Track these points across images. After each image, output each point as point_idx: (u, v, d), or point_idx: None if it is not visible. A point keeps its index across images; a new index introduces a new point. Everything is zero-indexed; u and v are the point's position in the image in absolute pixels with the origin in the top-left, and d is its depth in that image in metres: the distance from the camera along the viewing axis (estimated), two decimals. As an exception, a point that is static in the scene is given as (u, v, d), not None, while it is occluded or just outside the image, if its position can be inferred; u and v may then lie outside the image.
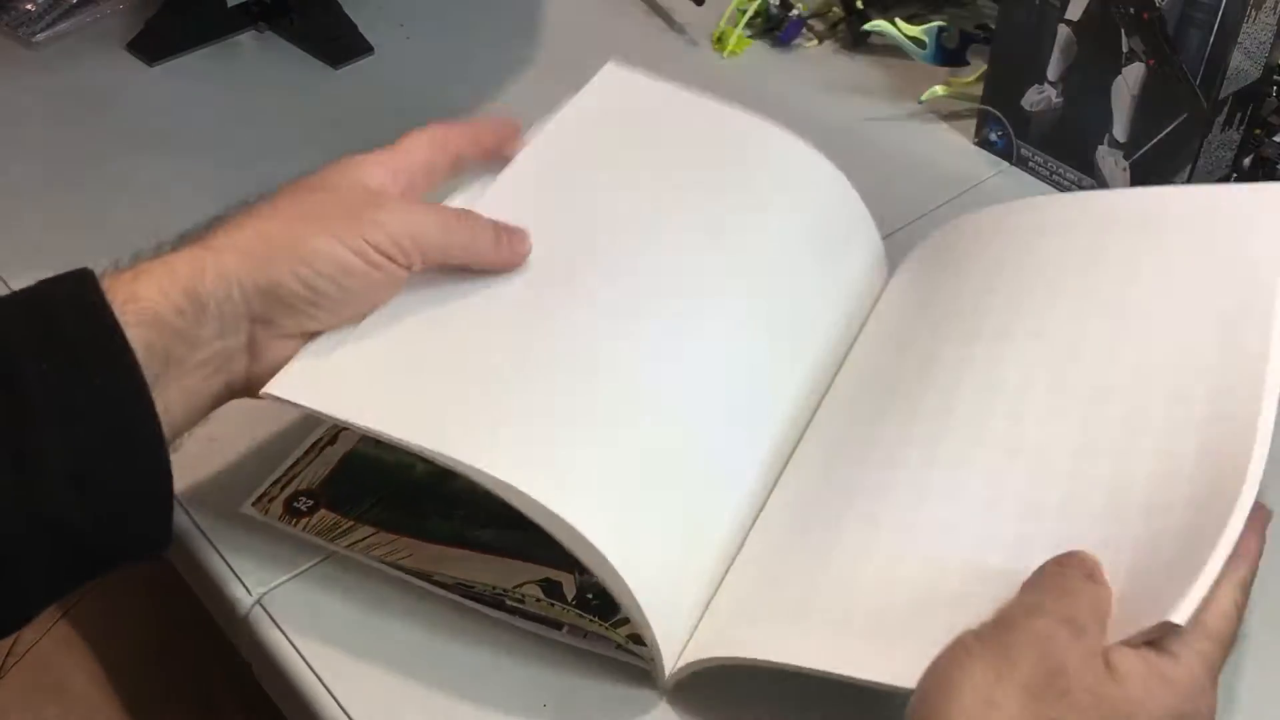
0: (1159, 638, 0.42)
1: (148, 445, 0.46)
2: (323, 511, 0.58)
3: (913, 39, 0.88)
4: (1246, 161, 0.77)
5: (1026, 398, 0.54)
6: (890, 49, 0.92)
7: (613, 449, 0.51)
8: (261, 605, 0.56)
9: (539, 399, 0.52)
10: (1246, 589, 0.45)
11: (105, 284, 0.46)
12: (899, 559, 0.50)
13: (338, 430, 0.62)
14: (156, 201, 0.80)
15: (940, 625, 0.44)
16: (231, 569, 0.58)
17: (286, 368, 0.51)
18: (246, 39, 0.96)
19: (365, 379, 0.51)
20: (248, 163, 0.83)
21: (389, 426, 0.49)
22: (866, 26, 0.90)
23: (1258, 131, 0.76)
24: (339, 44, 0.93)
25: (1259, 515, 0.46)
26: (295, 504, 0.58)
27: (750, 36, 0.95)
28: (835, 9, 0.97)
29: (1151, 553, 0.46)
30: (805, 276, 0.63)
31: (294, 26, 0.95)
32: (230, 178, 0.82)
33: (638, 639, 0.51)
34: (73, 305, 0.46)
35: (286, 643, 0.55)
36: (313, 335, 0.52)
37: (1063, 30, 0.76)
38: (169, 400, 0.47)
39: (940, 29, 0.89)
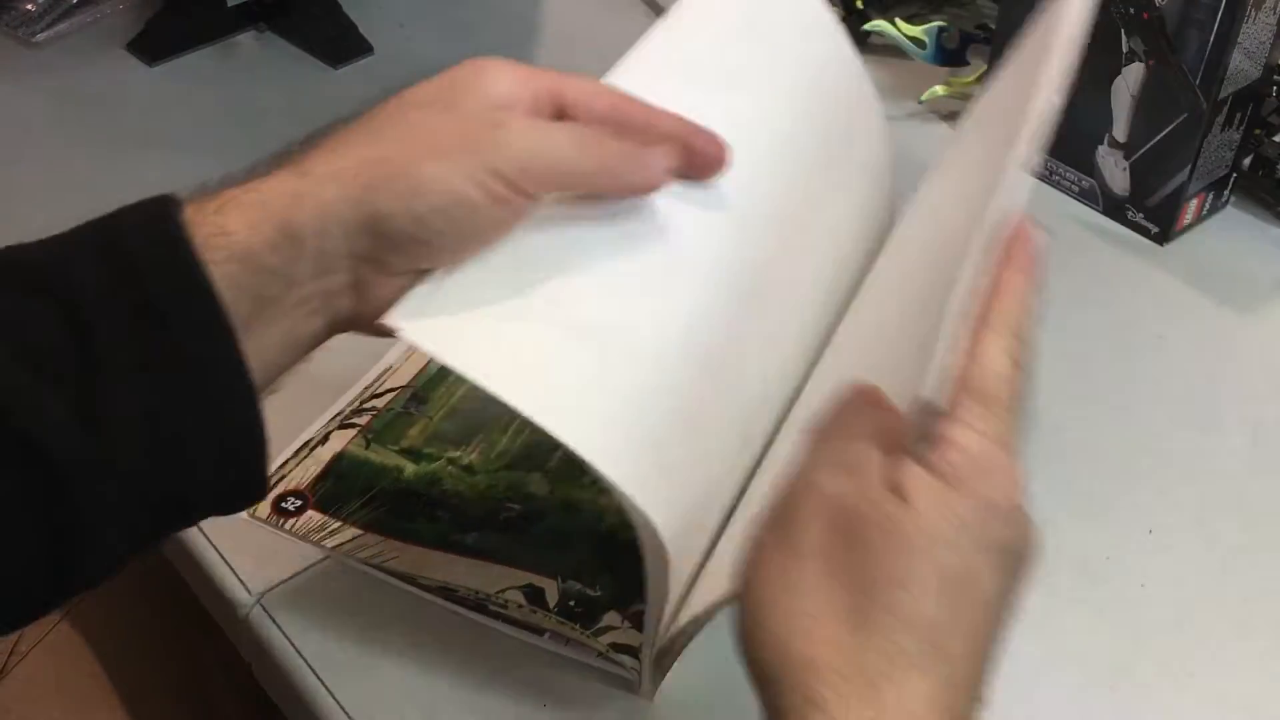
0: (929, 431, 0.38)
1: (237, 400, 0.41)
2: (310, 512, 0.58)
3: (913, 39, 0.88)
4: (1246, 161, 0.77)
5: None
6: (890, 49, 0.92)
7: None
8: (262, 605, 0.56)
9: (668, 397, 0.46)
10: (1024, 338, 0.40)
11: (188, 215, 0.41)
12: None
13: (329, 430, 0.62)
14: (157, 201, 0.80)
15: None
16: (232, 569, 0.58)
17: (406, 297, 0.44)
18: (246, 39, 0.96)
19: (488, 324, 0.45)
20: (248, 162, 0.83)
21: (504, 388, 0.43)
22: (866, 26, 0.90)
23: (1258, 131, 0.76)
24: (339, 44, 0.93)
25: (1021, 247, 0.41)
26: (283, 504, 0.58)
27: (750, 36, 0.95)
28: (835, 9, 0.97)
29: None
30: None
31: (294, 26, 0.95)
32: (231, 177, 0.82)
33: (619, 647, 0.51)
34: (152, 244, 0.41)
35: (287, 643, 0.55)
36: (425, 274, 0.45)
37: (1062, 30, 0.76)
38: (264, 343, 0.42)
39: (940, 29, 0.89)
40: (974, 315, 0.40)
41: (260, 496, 0.44)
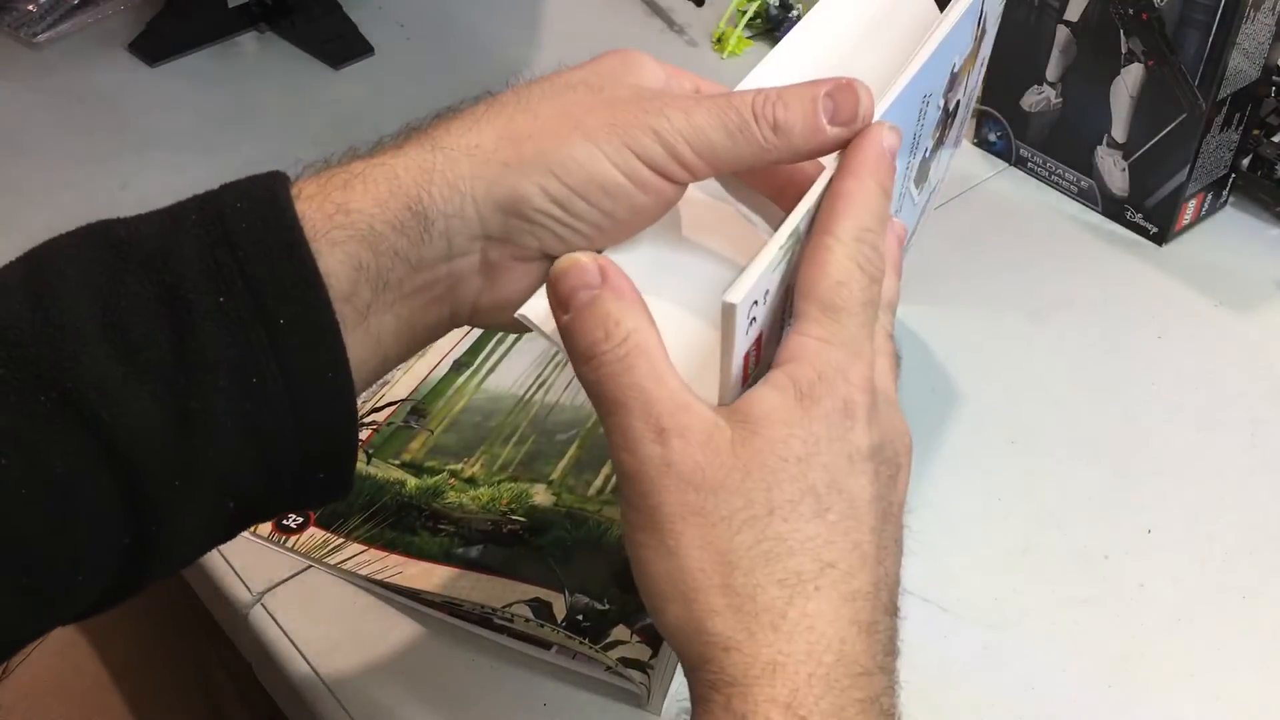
0: (772, 357, 0.37)
1: (333, 406, 0.39)
2: (313, 529, 0.58)
3: (912, 39, 0.88)
4: (1245, 161, 0.77)
5: None
6: (890, 49, 0.92)
7: None
8: (262, 605, 0.57)
9: None
10: (871, 243, 0.39)
11: (308, 190, 0.40)
12: None
13: None
14: (158, 202, 0.80)
15: None
16: (233, 568, 0.58)
17: (544, 289, 0.41)
18: (247, 39, 0.96)
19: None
20: (248, 163, 0.83)
21: None
22: (866, 27, 0.90)
23: (1256, 132, 0.76)
24: (339, 44, 0.94)
25: (867, 150, 0.40)
26: (285, 522, 0.58)
27: (750, 37, 0.96)
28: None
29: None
30: None
31: (295, 27, 0.95)
32: (231, 177, 0.82)
33: (628, 662, 0.51)
34: (260, 232, 0.38)
35: (287, 642, 0.55)
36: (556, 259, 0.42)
37: (1062, 31, 0.76)
38: (380, 329, 0.40)
39: (940, 29, 0.89)
40: (816, 224, 0.38)
41: (344, 493, 0.42)
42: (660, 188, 0.41)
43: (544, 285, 0.41)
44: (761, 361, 0.41)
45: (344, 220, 0.39)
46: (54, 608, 0.38)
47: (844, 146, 0.41)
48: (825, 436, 0.37)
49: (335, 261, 0.38)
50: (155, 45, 0.93)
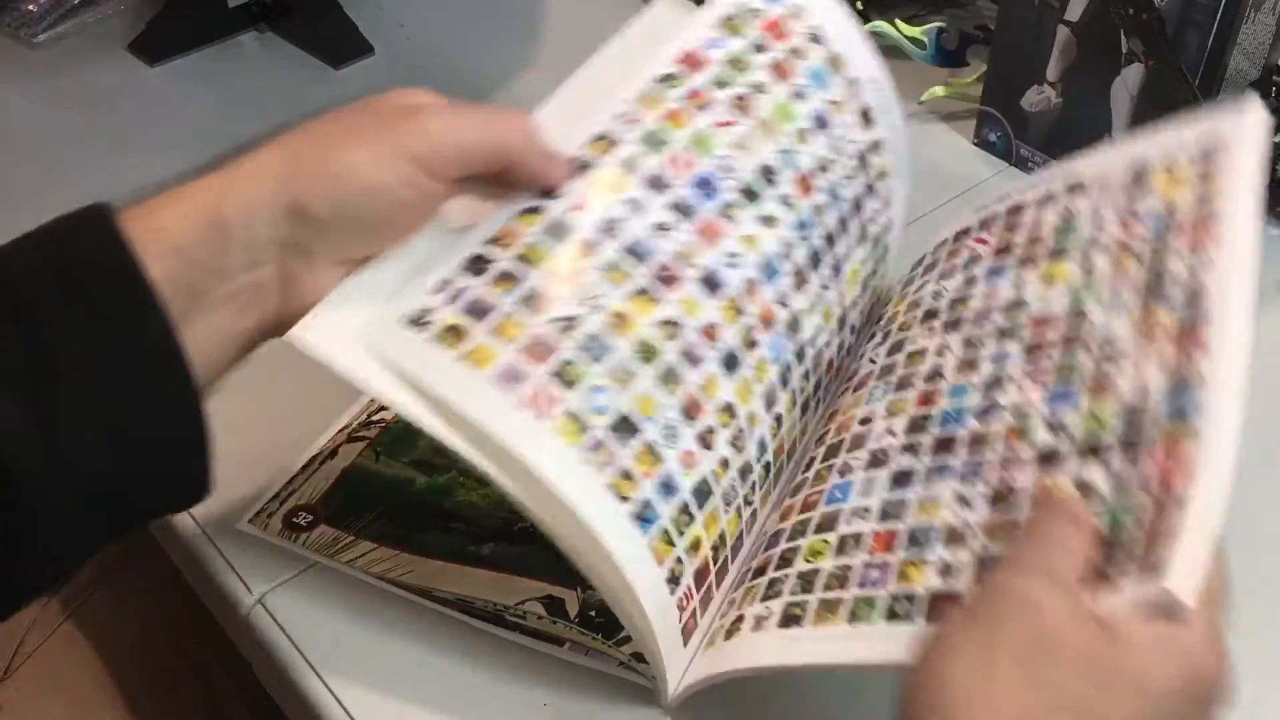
0: (1162, 604, 0.40)
1: (178, 389, 0.42)
2: (322, 527, 0.58)
3: (912, 40, 0.88)
4: (1245, 162, 0.77)
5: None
6: (890, 49, 0.92)
7: (672, 467, 0.48)
8: (263, 605, 0.57)
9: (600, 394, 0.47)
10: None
11: (124, 218, 0.43)
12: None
13: (337, 444, 0.62)
14: (158, 202, 0.80)
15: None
16: (233, 568, 0.58)
17: (314, 311, 0.46)
18: (247, 39, 0.96)
19: (395, 335, 0.47)
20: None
21: (407, 406, 0.45)
22: (866, 27, 0.90)
23: (1256, 132, 0.76)
24: (339, 44, 0.94)
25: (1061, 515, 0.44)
26: (294, 519, 0.58)
27: (750, 37, 0.96)
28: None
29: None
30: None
31: (295, 27, 0.95)
32: (231, 178, 0.82)
33: (641, 657, 0.51)
34: (93, 246, 0.43)
35: (288, 642, 0.55)
36: (351, 264, 0.47)
37: (1062, 31, 0.76)
38: (199, 338, 0.44)
39: (940, 30, 0.89)
40: (1206, 519, 0.41)
41: (206, 490, 0.45)
42: (427, 185, 0.46)
43: (318, 305, 0.46)
44: None
45: (159, 237, 0.43)
46: None
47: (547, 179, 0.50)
48: (1176, 693, 0.39)
49: (155, 273, 0.42)
50: (155, 45, 0.93)
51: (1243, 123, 0.52)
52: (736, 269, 0.52)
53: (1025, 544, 0.42)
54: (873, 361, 0.60)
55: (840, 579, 0.48)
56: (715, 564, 0.52)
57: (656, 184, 0.52)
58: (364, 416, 0.64)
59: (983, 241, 0.60)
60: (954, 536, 0.46)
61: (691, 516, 0.49)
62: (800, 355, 0.56)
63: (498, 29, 0.98)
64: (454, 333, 0.46)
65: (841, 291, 0.58)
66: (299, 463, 0.61)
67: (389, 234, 0.48)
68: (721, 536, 0.51)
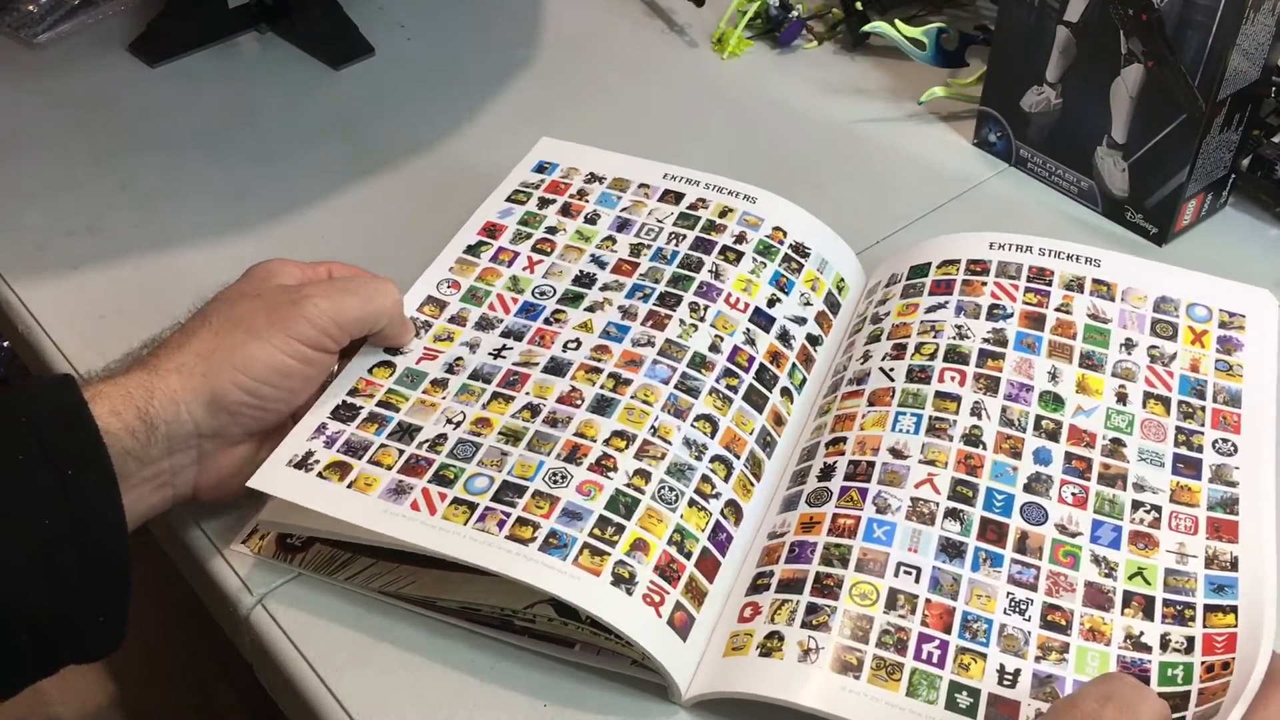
0: None
1: (117, 544, 0.49)
2: (318, 546, 0.58)
3: (912, 40, 0.88)
4: (1245, 162, 0.77)
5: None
6: (890, 50, 0.92)
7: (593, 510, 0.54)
8: (263, 605, 0.57)
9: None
10: None
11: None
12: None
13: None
14: (158, 202, 0.80)
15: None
16: (233, 569, 0.58)
17: (266, 463, 0.56)
18: (247, 40, 0.96)
19: (284, 476, 0.56)
20: (249, 163, 0.83)
21: (355, 518, 0.54)
22: (866, 28, 0.90)
23: (1256, 132, 0.76)
24: (339, 45, 0.94)
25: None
26: (288, 540, 0.58)
27: (750, 37, 0.96)
28: (835, 10, 0.97)
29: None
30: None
31: (295, 28, 0.95)
32: (231, 178, 0.82)
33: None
34: (52, 404, 0.50)
35: (288, 642, 0.55)
36: (260, 436, 0.57)
37: (1062, 32, 0.76)
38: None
39: (939, 30, 0.89)
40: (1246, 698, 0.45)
41: (120, 641, 0.51)
42: (320, 358, 0.57)
43: (274, 453, 0.56)
44: None
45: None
46: None
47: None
48: None
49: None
50: (155, 45, 0.93)
51: (1262, 309, 0.63)
52: (580, 348, 0.62)
53: (1097, 685, 0.45)
54: (887, 376, 0.61)
55: (898, 643, 0.51)
56: (688, 557, 0.54)
57: (484, 324, 0.64)
58: None
59: (1006, 294, 0.65)
60: (1010, 643, 0.51)
61: (618, 526, 0.53)
62: (700, 363, 0.61)
63: (498, 29, 0.98)
64: (337, 468, 0.56)
65: (729, 296, 0.65)
66: None
67: (292, 405, 0.57)
68: (680, 531, 0.54)
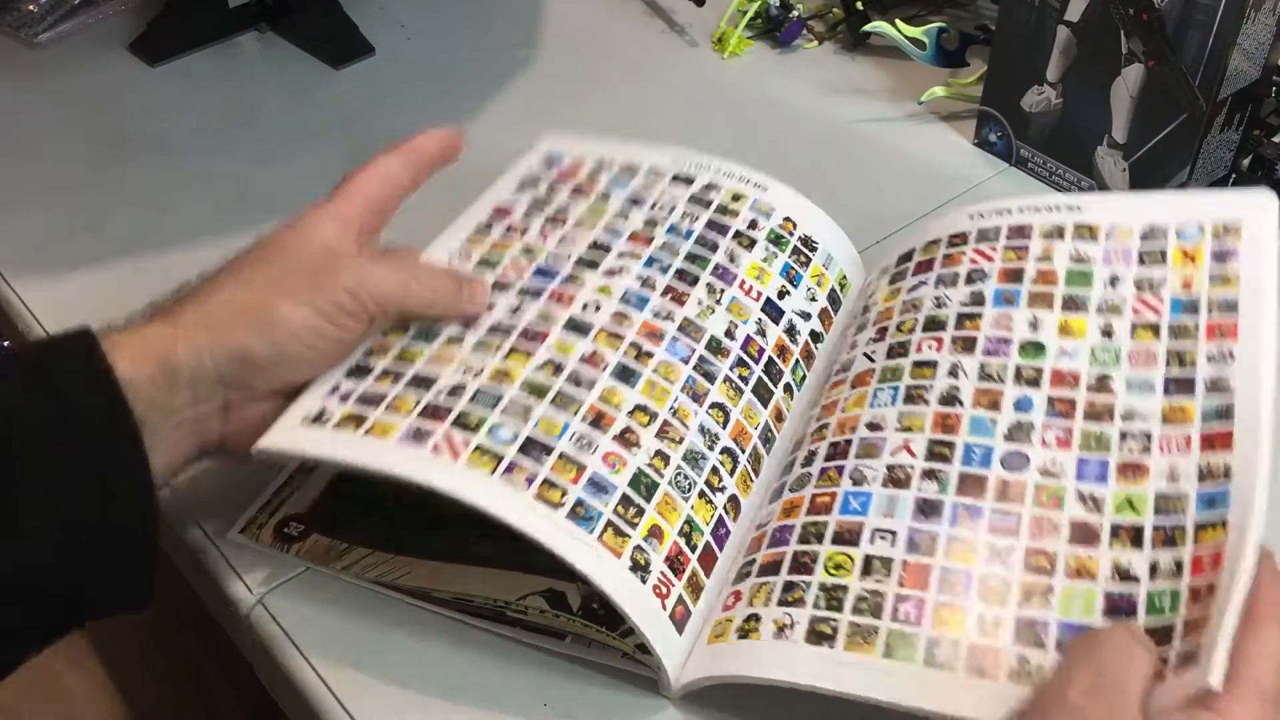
0: (1204, 699, 0.41)
1: (141, 505, 0.48)
2: (315, 536, 0.58)
3: (912, 40, 0.88)
4: (1245, 162, 0.77)
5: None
6: (890, 50, 0.92)
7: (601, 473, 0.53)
8: (263, 605, 0.57)
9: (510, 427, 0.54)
10: None
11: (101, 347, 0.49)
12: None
13: None
14: (158, 202, 0.80)
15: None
16: (233, 568, 0.58)
17: (276, 424, 0.54)
18: (248, 40, 0.96)
19: (298, 432, 0.54)
20: (249, 163, 0.83)
21: (374, 460, 0.52)
22: (866, 27, 0.90)
23: (1257, 132, 0.76)
24: (340, 44, 0.94)
25: (1270, 563, 0.45)
26: (286, 530, 0.58)
27: (750, 37, 0.96)
28: (835, 10, 0.97)
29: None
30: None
31: (295, 27, 0.95)
32: (231, 178, 0.82)
33: (645, 649, 0.51)
34: (72, 357, 0.48)
35: (288, 642, 0.55)
36: (285, 392, 0.55)
37: (1062, 31, 0.76)
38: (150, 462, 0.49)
39: (940, 30, 0.89)
40: (1236, 605, 0.42)
41: (145, 605, 0.50)
42: (352, 325, 0.55)
43: (278, 419, 0.54)
44: None
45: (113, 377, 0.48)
46: None
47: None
48: None
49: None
50: (155, 45, 0.93)
51: (1260, 212, 0.56)
52: (599, 311, 0.59)
53: (1072, 656, 0.44)
54: (869, 359, 0.60)
55: (873, 607, 0.49)
56: (693, 550, 0.53)
57: (499, 286, 0.61)
58: None
59: (985, 256, 0.61)
60: (991, 593, 0.48)
61: (639, 508, 0.52)
62: (716, 348, 0.59)
63: (498, 29, 0.98)
64: (353, 420, 0.54)
65: (743, 282, 0.63)
66: (286, 472, 0.61)
67: (321, 365, 0.55)
68: (690, 522, 0.53)
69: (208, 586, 0.59)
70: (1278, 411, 0.49)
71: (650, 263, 0.62)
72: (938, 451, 0.53)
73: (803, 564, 0.51)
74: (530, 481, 0.51)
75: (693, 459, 0.55)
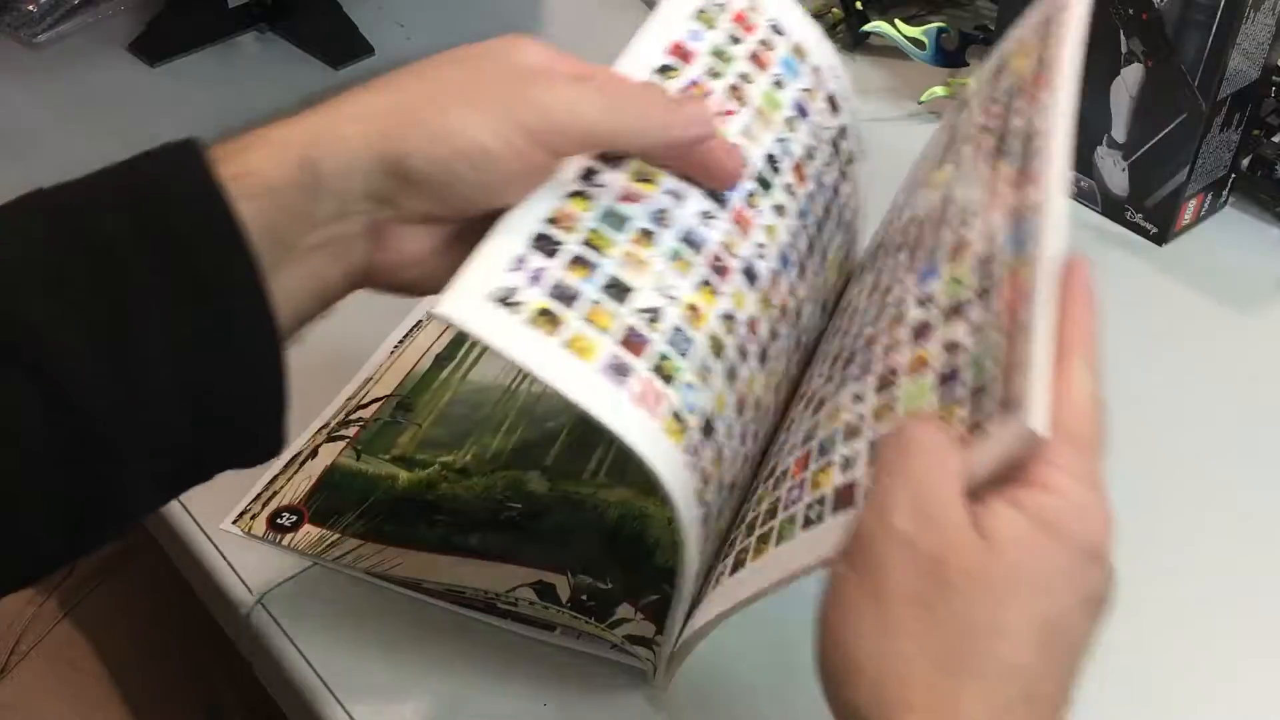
0: (1022, 467, 0.37)
1: (263, 348, 0.41)
2: (307, 527, 0.58)
3: (912, 40, 0.88)
4: (1245, 162, 0.77)
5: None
6: (890, 50, 0.92)
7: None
8: (263, 605, 0.57)
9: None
10: (1097, 375, 0.39)
11: (217, 155, 0.41)
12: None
13: (317, 444, 0.62)
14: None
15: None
16: (233, 569, 0.58)
17: (455, 285, 0.43)
18: (248, 40, 0.96)
19: (488, 313, 0.44)
20: (249, 163, 0.83)
21: (577, 391, 0.43)
22: (866, 27, 0.90)
23: (1256, 132, 0.76)
24: (339, 44, 0.94)
25: (1080, 284, 0.40)
26: (278, 520, 0.58)
27: (750, 37, 0.96)
28: (835, 10, 0.97)
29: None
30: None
31: (295, 27, 0.95)
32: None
33: (633, 639, 0.51)
34: (182, 187, 0.41)
35: (288, 642, 0.55)
36: (438, 224, 0.45)
37: (1062, 31, 0.76)
38: (285, 289, 0.42)
39: (939, 30, 0.89)
40: (1048, 353, 0.38)
41: (280, 448, 0.43)
42: (535, 158, 0.44)
43: (455, 280, 0.43)
44: None
45: (247, 180, 0.41)
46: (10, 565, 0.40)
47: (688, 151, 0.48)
48: (1065, 571, 0.37)
49: (244, 218, 0.40)
50: (155, 45, 0.93)
51: None
52: (764, 260, 0.52)
53: (886, 482, 0.39)
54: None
55: (771, 513, 0.47)
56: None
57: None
58: (342, 415, 0.64)
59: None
60: (851, 431, 0.46)
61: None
62: (798, 344, 0.56)
63: (498, 29, 0.97)
64: (547, 318, 0.44)
65: (825, 278, 0.58)
66: (280, 463, 0.61)
67: (486, 201, 0.45)
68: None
69: (207, 586, 0.59)
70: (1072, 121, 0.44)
71: (801, 215, 0.55)
72: (837, 359, 0.52)
73: (742, 518, 0.51)
74: (695, 471, 0.46)
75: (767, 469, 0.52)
